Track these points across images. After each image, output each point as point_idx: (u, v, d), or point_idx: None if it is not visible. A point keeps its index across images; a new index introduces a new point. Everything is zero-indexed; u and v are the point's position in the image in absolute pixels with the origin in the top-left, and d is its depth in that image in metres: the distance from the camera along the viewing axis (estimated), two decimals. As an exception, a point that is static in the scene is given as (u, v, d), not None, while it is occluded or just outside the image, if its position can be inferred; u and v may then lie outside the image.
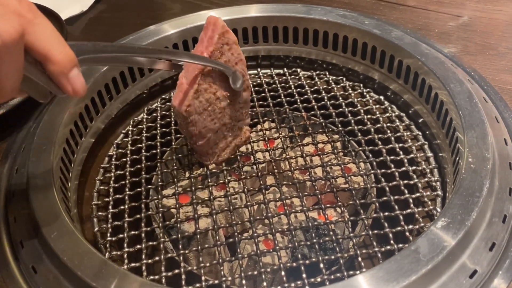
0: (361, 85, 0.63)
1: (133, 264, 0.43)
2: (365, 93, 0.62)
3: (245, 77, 0.48)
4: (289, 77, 0.65)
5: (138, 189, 0.51)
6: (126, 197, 0.50)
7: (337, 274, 0.40)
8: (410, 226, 0.44)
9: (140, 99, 0.64)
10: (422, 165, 0.51)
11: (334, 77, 0.64)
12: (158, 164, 0.54)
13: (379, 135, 0.54)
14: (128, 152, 0.56)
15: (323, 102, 0.59)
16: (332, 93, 0.61)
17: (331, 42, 0.63)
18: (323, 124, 0.57)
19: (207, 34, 0.45)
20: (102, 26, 0.80)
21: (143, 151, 0.55)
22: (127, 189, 0.50)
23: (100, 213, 0.50)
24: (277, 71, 0.67)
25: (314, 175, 0.50)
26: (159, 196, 0.51)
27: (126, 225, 0.47)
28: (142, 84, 0.63)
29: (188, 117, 0.46)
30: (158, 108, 0.61)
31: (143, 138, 0.57)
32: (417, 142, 0.54)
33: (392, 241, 0.42)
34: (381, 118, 0.57)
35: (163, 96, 0.65)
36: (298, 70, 0.66)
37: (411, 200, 0.46)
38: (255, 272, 0.42)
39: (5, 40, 0.28)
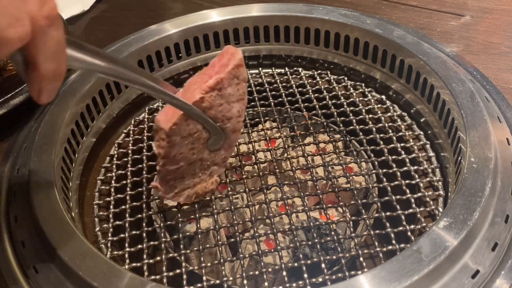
0: (363, 84, 0.63)
1: (134, 264, 0.43)
2: (366, 93, 0.61)
3: (240, 118, 0.45)
4: (290, 77, 0.65)
5: (140, 189, 0.51)
6: (128, 197, 0.50)
7: (339, 274, 0.40)
8: (412, 226, 0.44)
9: (141, 99, 0.64)
10: (424, 165, 0.51)
11: (335, 77, 0.64)
12: (160, 164, 0.54)
13: (381, 135, 0.54)
14: (130, 151, 0.56)
15: (324, 102, 0.59)
16: (334, 93, 0.61)
17: (333, 42, 0.63)
18: (325, 123, 0.57)
19: (221, 61, 0.43)
20: (103, 26, 0.80)
21: (144, 150, 0.55)
22: (128, 189, 0.50)
23: (101, 213, 0.50)
24: (279, 70, 0.67)
25: (316, 175, 0.50)
26: (161, 196, 0.50)
27: (127, 225, 0.47)
28: (144, 84, 0.63)
29: (170, 136, 0.41)
30: (160, 108, 0.61)
31: (145, 137, 0.57)
32: (418, 142, 0.54)
33: (394, 241, 0.42)
34: (382, 118, 0.57)
35: (165, 96, 0.65)
36: (300, 69, 0.66)
37: (413, 200, 0.46)
38: (257, 272, 0.41)
39: (3, 38, 0.26)
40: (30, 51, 0.29)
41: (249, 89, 0.62)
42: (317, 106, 0.59)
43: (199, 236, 0.45)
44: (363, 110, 0.58)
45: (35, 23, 0.28)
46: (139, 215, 0.48)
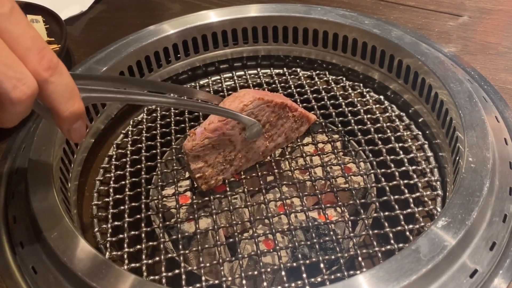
0: (361, 84, 0.63)
1: (133, 265, 0.43)
2: (365, 93, 0.62)
3: (271, 145, 0.52)
4: (289, 77, 0.65)
5: (138, 189, 0.51)
6: (126, 198, 0.50)
7: (338, 274, 0.40)
8: (410, 226, 0.44)
9: (140, 99, 0.64)
10: (422, 165, 0.51)
11: (334, 77, 0.64)
12: (158, 164, 0.54)
13: (379, 135, 0.54)
14: (128, 152, 0.56)
15: (323, 102, 0.59)
16: (332, 93, 0.61)
17: (331, 42, 0.63)
18: (323, 124, 0.57)
19: (302, 109, 0.54)
20: (101, 26, 0.80)
21: (143, 151, 0.55)
22: (127, 190, 0.50)
23: (100, 214, 0.50)
24: (277, 71, 0.67)
25: (314, 175, 0.50)
26: (159, 196, 0.50)
27: (126, 225, 0.47)
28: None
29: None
30: (158, 108, 0.61)
31: (143, 138, 0.57)
32: (417, 142, 0.54)
33: (392, 241, 0.42)
34: (381, 118, 0.57)
35: (163, 96, 0.65)
36: (298, 70, 0.66)
37: (411, 200, 0.46)
38: (255, 272, 0.41)
39: (14, 100, 0.29)
40: (44, 100, 0.32)
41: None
42: (315, 107, 0.59)
43: (198, 236, 0.45)
44: (362, 110, 0.58)
45: (38, 77, 0.30)
46: (138, 216, 0.48)
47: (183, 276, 0.41)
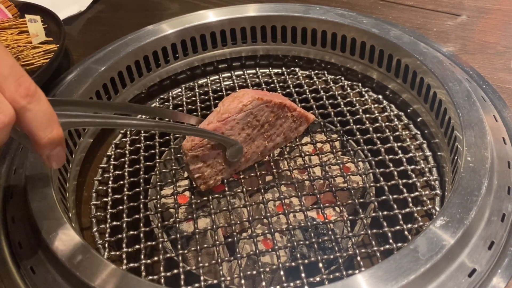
0: (360, 84, 0.63)
1: (132, 264, 0.43)
2: (363, 92, 0.62)
3: (264, 148, 0.52)
4: (287, 77, 0.65)
5: (137, 189, 0.51)
6: (125, 197, 0.50)
7: (336, 274, 0.40)
8: (409, 225, 0.44)
9: (138, 99, 0.64)
10: (421, 164, 0.51)
11: (332, 77, 0.64)
12: (157, 164, 0.54)
13: (378, 134, 0.54)
14: (127, 152, 0.56)
15: (321, 102, 0.59)
16: (331, 93, 0.61)
17: (330, 42, 0.63)
18: (322, 123, 0.57)
19: (300, 110, 0.53)
20: (100, 26, 0.80)
21: (141, 151, 0.55)
22: (125, 189, 0.50)
23: (98, 214, 0.50)
24: (276, 70, 0.67)
25: (313, 175, 0.50)
26: (158, 196, 0.50)
27: (124, 225, 0.47)
28: (140, 84, 0.63)
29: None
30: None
31: (142, 138, 0.57)
32: (415, 141, 0.54)
33: (391, 240, 0.42)
34: (379, 117, 0.57)
35: (161, 96, 0.65)
36: (297, 69, 0.66)
37: (410, 199, 0.46)
38: (254, 272, 0.42)
39: None
40: (22, 127, 0.32)
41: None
42: (314, 106, 0.59)
43: (197, 236, 0.45)
44: (360, 110, 0.58)
45: (16, 105, 0.30)
46: (137, 216, 0.48)
47: (182, 276, 0.41)
